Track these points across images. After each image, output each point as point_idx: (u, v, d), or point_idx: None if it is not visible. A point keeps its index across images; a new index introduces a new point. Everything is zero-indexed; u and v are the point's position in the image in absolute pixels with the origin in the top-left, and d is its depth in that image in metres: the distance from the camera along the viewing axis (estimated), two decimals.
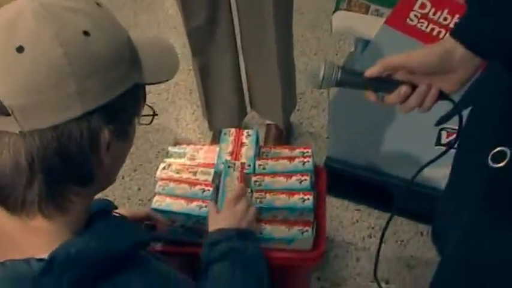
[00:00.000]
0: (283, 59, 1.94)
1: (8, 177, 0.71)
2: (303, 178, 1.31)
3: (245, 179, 1.33)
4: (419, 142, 1.68)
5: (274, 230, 1.25)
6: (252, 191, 1.30)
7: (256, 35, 1.87)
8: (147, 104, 0.84)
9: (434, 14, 1.42)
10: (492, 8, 0.80)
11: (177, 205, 1.27)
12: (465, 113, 1.00)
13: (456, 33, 0.84)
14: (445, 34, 1.43)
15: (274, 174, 1.33)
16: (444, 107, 0.93)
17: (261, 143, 1.96)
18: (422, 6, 1.42)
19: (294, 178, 1.31)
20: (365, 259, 1.87)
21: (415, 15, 1.44)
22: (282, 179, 1.32)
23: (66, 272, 0.71)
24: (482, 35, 0.81)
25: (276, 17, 1.77)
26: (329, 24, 1.73)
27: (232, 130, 1.47)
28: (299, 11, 2.86)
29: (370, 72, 0.90)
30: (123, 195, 2.12)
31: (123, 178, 2.18)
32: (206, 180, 1.33)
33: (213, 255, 1.08)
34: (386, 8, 1.54)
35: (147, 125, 0.86)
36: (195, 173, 1.35)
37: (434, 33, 1.44)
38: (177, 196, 1.30)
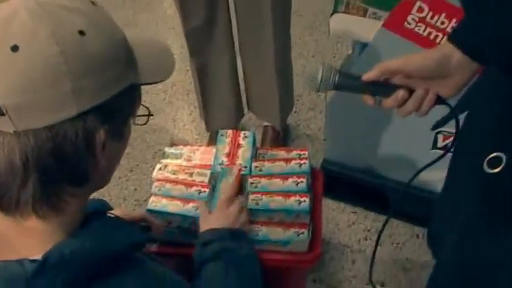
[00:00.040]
0: (281, 59, 1.94)
1: (2, 177, 0.71)
2: (299, 180, 1.30)
3: (241, 181, 1.33)
4: (416, 145, 1.69)
5: (270, 232, 1.25)
6: (248, 192, 1.30)
7: (254, 35, 1.87)
8: (142, 104, 0.84)
9: (431, 17, 1.42)
10: (489, 13, 0.81)
11: (173, 206, 1.27)
12: (461, 117, 1.00)
13: (453, 38, 0.84)
14: (442, 38, 1.43)
15: (270, 176, 1.33)
16: (441, 111, 0.94)
17: (258, 144, 1.96)
18: (420, 10, 1.43)
19: (290, 180, 1.31)
20: (361, 261, 1.87)
21: (413, 19, 1.45)
22: (278, 181, 1.31)
23: (59, 273, 0.71)
24: (479, 40, 0.81)
25: (274, 16, 1.77)
26: (327, 26, 1.73)
27: (229, 131, 1.47)
28: (297, 13, 2.86)
29: (368, 76, 0.90)
30: (119, 196, 2.12)
31: (119, 178, 2.17)
32: (202, 182, 1.33)
33: (206, 254, 1.08)
34: (384, 11, 1.54)
35: (142, 125, 0.85)
36: (191, 174, 1.35)
37: (432, 36, 1.45)
38: (173, 197, 1.29)
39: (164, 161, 1.41)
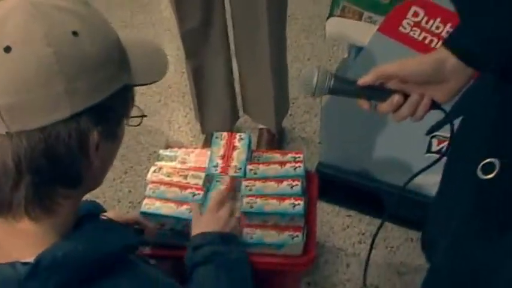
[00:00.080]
0: (276, 61, 1.94)
1: None
2: (294, 183, 1.31)
3: (234, 185, 1.34)
4: (410, 149, 1.69)
5: (264, 235, 1.25)
6: (242, 195, 1.30)
7: (250, 37, 1.87)
8: (135, 105, 0.84)
9: (426, 22, 1.43)
10: (484, 18, 0.81)
11: (167, 208, 1.27)
12: (456, 122, 1.00)
13: (448, 43, 0.84)
14: (437, 42, 1.44)
15: (265, 179, 1.33)
16: (435, 115, 0.94)
17: (253, 147, 1.96)
18: (415, 14, 1.43)
19: (285, 183, 1.31)
20: (355, 265, 1.87)
21: (408, 23, 1.45)
22: (273, 183, 1.32)
23: (52, 276, 0.71)
24: (474, 45, 0.82)
25: (270, 18, 1.77)
26: (323, 30, 1.73)
27: (224, 134, 1.47)
28: (293, 16, 2.87)
29: (363, 80, 0.90)
30: (114, 198, 2.11)
31: (113, 180, 2.17)
32: (197, 184, 1.33)
33: (197, 258, 1.08)
34: (379, 16, 1.54)
35: (135, 126, 0.85)
36: (185, 177, 1.35)
37: (427, 41, 1.45)
38: (167, 199, 1.29)
39: (159, 163, 1.41)
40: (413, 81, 0.88)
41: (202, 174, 1.35)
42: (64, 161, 0.72)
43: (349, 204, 2.03)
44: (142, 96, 2.46)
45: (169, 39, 2.88)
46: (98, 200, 1.24)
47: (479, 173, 0.92)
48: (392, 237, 1.94)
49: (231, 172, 1.36)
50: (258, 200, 1.28)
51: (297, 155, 1.41)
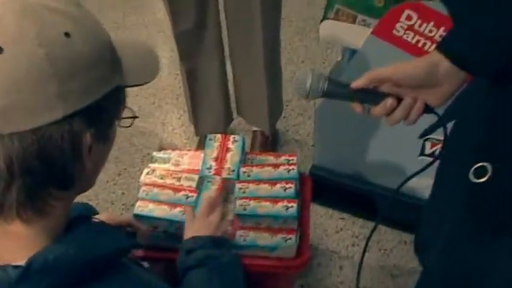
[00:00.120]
0: (270, 63, 1.94)
1: None
2: (287, 186, 1.31)
3: (226, 187, 1.33)
4: (404, 152, 1.69)
5: (257, 237, 1.25)
6: (236, 198, 1.30)
7: (244, 38, 1.87)
8: (127, 107, 0.84)
9: (420, 26, 1.43)
10: (477, 23, 0.81)
11: (160, 211, 1.27)
12: (449, 125, 1.01)
13: (441, 47, 0.85)
14: (431, 46, 1.44)
15: (258, 181, 1.33)
16: (429, 119, 0.94)
17: (247, 149, 1.96)
18: (409, 17, 1.44)
19: (278, 186, 1.31)
20: (348, 268, 1.87)
21: (402, 27, 1.46)
22: (266, 186, 1.31)
23: (43, 279, 0.70)
24: (467, 49, 0.82)
25: (264, 20, 1.77)
26: (317, 32, 1.73)
27: (218, 136, 1.47)
28: (288, 19, 2.87)
29: (357, 84, 0.90)
30: (107, 200, 2.11)
31: (107, 182, 2.16)
32: (190, 186, 1.33)
33: (189, 262, 1.09)
34: (373, 19, 1.55)
35: (127, 127, 0.85)
36: (179, 179, 1.35)
37: (420, 44, 1.46)
38: (160, 202, 1.29)
39: (152, 165, 1.41)
40: (406, 84, 0.88)
41: (196, 177, 1.35)
42: (57, 163, 0.72)
43: (342, 207, 2.03)
44: (136, 98, 2.46)
45: (163, 40, 2.88)
46: (91, 202, 1.24)
47: (471, 176, 0.92)
48: (385, 240, 1.94)
49: (225, 174, 1.36)
50: (252, 202, 1.28)
51: (290, 158, 1.41)
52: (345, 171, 1.92)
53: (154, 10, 3.11)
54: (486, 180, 0.90)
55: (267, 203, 1.27)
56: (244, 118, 2.23)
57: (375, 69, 0.90)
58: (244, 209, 1.26)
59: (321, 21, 1.67)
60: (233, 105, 2.21)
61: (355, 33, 1.58)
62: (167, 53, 2.75)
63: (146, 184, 1.34)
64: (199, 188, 1.33)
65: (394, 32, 1.47)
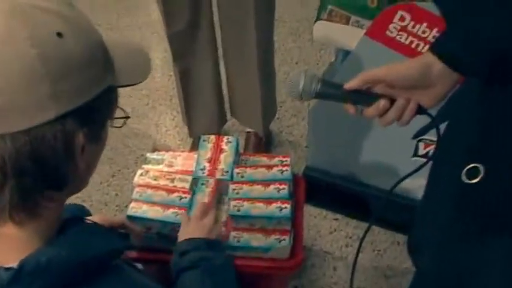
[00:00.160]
0: (264, 63, 1.94)
1: None
2: (281, 187, 1.31)
3: (220, 188, 1.33)
4: (397, 153, 1.70)
5: (251, 238, 1.25)
6: (229, 199, 1.30)
7: (238, 39, 1.87)
8: (119, 107, 0.84)
9: (413, 27, 1.44)
10: (470, 24, 0.81)
11: (153, 212, 1.26)
12: (442, 126, 1.01)
13: (434, 48, 0.85)
14: (424, 47, 1.45)
15: (252, 182, 1.33)
16: (422, 120, 0.94)
17: (241, 150, 1.96)
18: (402, 18, 1.44)
19: (272, 187, 1.31)
20: (342, 268, 1.87)
21: (395, 28, 1.46)
22: (260, 187, 1.32)
23: (35, 281, 0.70)
24: (460, 50, 0.82)
25: (257, 21, 1.77)
26: (311, 33, 1.74)
27: (212, 137, 1.47)
28: (281, 20, 2.87)
29: (350, 85, 0.90)
30: (101, 201, 2.10)
31: (100, 184, 2.15)
32: (184, 188, 1.33)
33: (183, 264, 1.09)
34: (366, 20, 1.55)
35: (119, 127, 0.85)
36: (172, 180, 1.35)
37: (413, 45, 1.46)
38: (153, 203, 1.29)
39: (146, 166, 1.40)
40: (399, 85, 0.88)
41: (189, 178, 1.35)
42: (49, 163, 0.71)
43: (336, 208, 2.03)
44: (129, 99, 2.45)
45: (156, 41, 2.87)
46: (84, 204, 1.23)
47: (463, 177, 0.92)
48: (379, 240, 1.94)
49: (218, 175, 1.36)
50: (245, 203, 1.28)
51: (284, 159, 1.41)
52: (338, 172, 1.92)
53: (148, 11, 3.11)
54: (478, 181, 0.90)
55: (261, 204, 1.27)
56: (238, 119, 2.23)
57: (368, 70, 0.90)
58: (238, 210, 1.26)
59: (315, 22, 1.67)
60: (227, 106, 2.21)
61: (349, 34, 1.59)
62: (161, 54, 2.74)
63: (140, 185, 1.34)
64: (192, 189, 1.33)
65: (388, 33, 1.47)
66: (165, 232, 1.26)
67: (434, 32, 1.42)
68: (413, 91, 0.88)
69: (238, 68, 1.99)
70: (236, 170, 1.37)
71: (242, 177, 1.35)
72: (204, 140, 1.45)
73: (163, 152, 1.45)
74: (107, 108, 0.80)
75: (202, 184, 1.34)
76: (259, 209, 1.26)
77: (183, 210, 1.27)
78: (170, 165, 1.40)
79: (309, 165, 1.97)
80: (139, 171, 1.38)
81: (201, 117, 2.14)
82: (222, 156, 1.41)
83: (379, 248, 1.92)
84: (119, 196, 2.13)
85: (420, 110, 0.90)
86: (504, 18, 0.78)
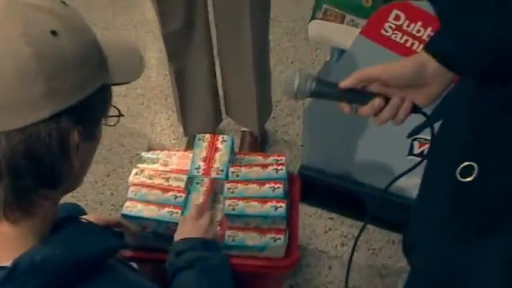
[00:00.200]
0: (259, 62, 1.94)
1: None
2: (276, 186, 1.31)
3: (215, 187, 1.33)
4: (392, 152, 1.70)
5: (246, 237, 1.25)
6: (224, 198, 1.30)
7: (233, 38, 1.87)
8: (113, 106, 0.83)
9: (408, 26, 1.44)
10: (464, 23, 0.82)
11: (148, 211, 1.26)
12: (437, 125, 1.01)
13: (429, 47, 0.85)
14: (419, 46, 1.45)
15: (247, 181, 1.33)
16: (417, 119, 0.94)
17: (236, 149, 1.96)
18: (397, 18, 1.44)
19: (267, 186, 1.31)
20: (337, 267, 1.87)
21: (390, 27, 1.46)
22: (255, 186, 1.32)
23: (30, 280, 0.70)
24: (454, 49, 0.82)
25: (253, 20, 1.77)
26: (306, 32, 1.74)
27: (207, 136, 1.46)
28: (276, 19, 2.87)
29: (344, 83, 0.90)
30: (96, 200, 2.10)
31: (95, 183, 2.15)
32: (179, 187, 1.33)
33: (179, 263, 1.09)
34: (361, 19, 1.55)
35: (113, 126, 0.85)
36: (167, 179, 1.35)
37: (408, 44, 1.46)
38: (148, 202, 1.29)
39: (141, 165, 1.40)
40: (394, 84, 0.88)
41: (184, 177, 1.35)
42: (44, 161, 0.71)
43: (331, 207, 2.03)
44: (125, 98, 2.45)
45: (151, 41, 2.87)
46: (80, 203, 1.23)
47: (458, 175, 0.92)
48: (374, 239, 1.95)
49: (213, 174, 1.36)
50: (240, 202, 1.28)
51: (279, 158, 1.41)
52: (333, 171, 1.92)
53: (144, 10, 3.10)
54: (472, 180, 0.90)
55: (256, 203, 1.27)
56: (233, 118, 2.23)
57: (363, 68, 0.90)
58: (233, 209, 1.26)
59: (310, 21, 1.67)
60: (222, 105, 2.20)
61: (344, 33, 1.59)
62: (156, 54, 2.74)
63: (135, 184, 1.34)
64: (187, 188, 1.33)
65: (383, 32, 1.48)
66: (160, 231, 1.26)
67: (429, 31, 1.42)
68: (408, 90, 0.88)
69: (233, 68, 1.99)
70: (231, 169, 1.37)
71: (237, 176, 1.35)
72: (199, 139, 1.45)
73: (158, 151, 1.45)
74: (101, 107, 0.80)
75: (197, 183, 1.34)
76: (254, 208, 1.26)
77: (178, 209, 1.27)
78: (165, 165, 1.40)
79: (304, 164, 1.97)
80: (134, 170, 1.38)
81: (196, 117, 2.14)
82: (217, 155, 1.41)
83: (374, 247, 1.93)
84: (114, 195, 2.12)
85: (415, 109, 0.90)
86: (498, 17, 0.78)
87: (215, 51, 2.00)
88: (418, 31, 1.43)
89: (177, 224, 1.22)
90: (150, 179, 1.35)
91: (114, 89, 0.82)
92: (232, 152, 1.44)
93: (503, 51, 0.78)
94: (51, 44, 0.70)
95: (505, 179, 0.91)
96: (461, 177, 0.92)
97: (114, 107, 0.84)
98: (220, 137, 1.46)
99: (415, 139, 1.67)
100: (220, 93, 2.16)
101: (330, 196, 1.99)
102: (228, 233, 1.26)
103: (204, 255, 1.11)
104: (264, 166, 1.37)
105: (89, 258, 0.77)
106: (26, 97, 0.68)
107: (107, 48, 0.81)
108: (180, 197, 1.30)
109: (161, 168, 1.39)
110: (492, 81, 0.84)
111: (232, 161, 1.42)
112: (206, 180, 1.34)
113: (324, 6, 1.59)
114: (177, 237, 1.17)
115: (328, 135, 1.86)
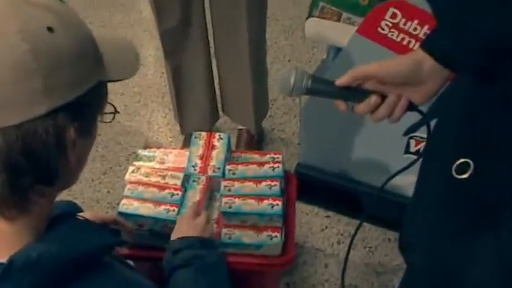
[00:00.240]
0: (256, 60, 1.94)
1: None
2: (272, 184, 1.31)
3: (212, 185, 1.33)
4: (389, 150, 1.70)
5: (243, 235, 1.25)
6: (221, 195, 1.30)
7: (230, 36, 1.87)
8: (109, 102, 0.83)
9: (404, 24, 1.44)
10: (460, 21, 0.82)
11: (145, 209, 1.26)
12: (433, 123, 1.01)
13: (425, 45, 0.85)
14: (415, 44, 1.45)
15: (244, 179, 1.33)
16: (413, 116, 0.94)
17: (233, 147, 1.96)
18: (393, 16, 1.44)
19: (263, 183, 1.31)
20: (333, 265, 1.87)
21: (386, 25, 1.47)
22: (251, 184, 1.32)
23: (25, 277, 0.70)
24: (450, 47, 0.82)
25: (250, 18, 1.77)
26: (303, 31, 1.74)
27: (203, 134, 1.46)
28: (273, 17, 2.87)
29: (341, 81, 0.90)
30: (92, 198, 2.09)
31: (92, 181, 2.15)
32: (175, 184, 1.33)
33: (176, 262, 1.09)
34: (358, 17, 1.55)
35: (108, 122, 0.85)
36: (164, 177, 1.35)
37: (405, 42, 1.47)
38: (145, 200, 1.29)
39: (137, 163, 1.40)
40: (390, 82, 0.88)
41: (181, 175, 1.35)
42: (41, 158, 0.71)
43: (327, 205, 2.04)
44: (121, 96, 2.45)
45: (148, 39, 2.87)
46: (76, 201, 1.23)
47: (453, 173, 0.93)
48: (370, 237, 1.95)
49: (210, 172, 1.36)
50: (237, 200, 1.28)
51: (275, 156, 1.41)
52: (330, 169, 1.92)
53: (140, 9, 3.10)
54: (468, 177, 0.90)
55: (252, 201, 1.27)
56: (230, 117, 2.23)
57: (359, 66, 0.90)
58: (230, 207, 1.27)
59: (306, 19, 1.67)
60: (219, 103, 2.20)
61: (340, 31, 1.59)
62: (153, 52, 2.74)
63: (131, 182, 1.34)
64: (184, 186, 1.33)
65: (379, 30, 1.48)
66: (157, 229, 1.26)
67: (426, 29, 1.42)
68: (404, 88, 0.88)
69: (230, 66, 1.99)
70: (228, 167, 1.37)
71: (234, 174, 1.35)
72: (195, 137, 1.45)
73: (155, 149, 1.45)
74: (97, 103, 0.80)
75: (194, 181, 1.34)
76: (250, 205, 1.26)
77: (174, 207, 1.27)
78: (162, 162, 1.40)
79: (301, 162, 1.97)
80: (130, 168, 1.38)
81: (193, 115, 2.14)
82: (214, 153, 1.41)
83: (370, 245, 1.93)
84: (111, 193, 2.12)
85: (411, 107, 0.90)
86: (494, 15, 0.78)
87: (212, 49, 1.99)
88: (415, 29, 1.44)
89: (173, 221, 1.22)
90: (146, 176, 1.35)
91: (111, 87, 0.82)
92: (228, 150, 1.44)
93: (499, 48, 0.78)
94: (48, 41, 0.70)
95: (500, 176, 0.91)
96: (457, 174, 0.92)
97: (110, 104, 0.83)
98: (216, 135, 1.46)
99: (411, 137, 1.67)
100: (217, 91, 2.16)
101: (326, 194, 1.99)
102: (224, 230, 1.26)
103: (201, 254, 1.11)
104: (261, 164, 1.37)
105: (84, 255, 0.77)
106: (23, 93, 0.68)
107: (102, 44, 0.81)
108: (177, 194, 1.30)
109: (158, 166, 1.39)
110: (488, 79, 0.85)
111: (229, 159, 1.42)
112: (203, 178, 1.35)
113: (321, 4, 1.59)
114: (174, 235, 1.17)
115: (325, 134, 1.86)
